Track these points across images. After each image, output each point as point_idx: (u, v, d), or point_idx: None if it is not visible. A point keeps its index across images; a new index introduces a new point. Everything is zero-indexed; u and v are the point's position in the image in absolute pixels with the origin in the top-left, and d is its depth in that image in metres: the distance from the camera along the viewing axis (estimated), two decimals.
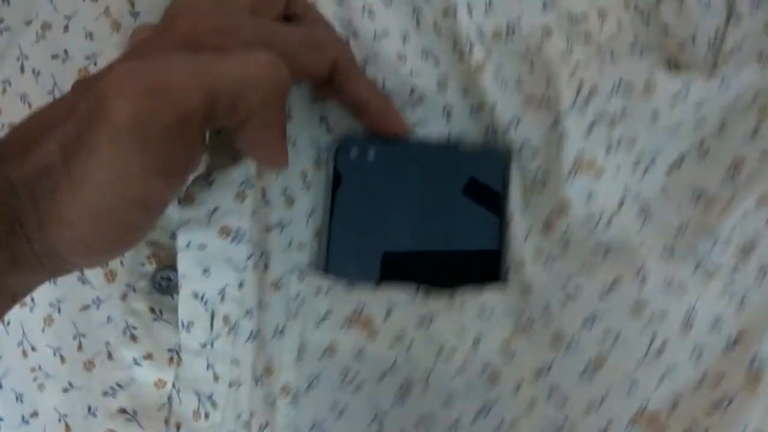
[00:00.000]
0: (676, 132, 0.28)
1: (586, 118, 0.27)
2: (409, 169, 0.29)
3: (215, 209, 0.27)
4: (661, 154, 0.28)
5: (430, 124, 0.29)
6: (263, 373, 0.28)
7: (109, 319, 0.29)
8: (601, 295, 0.27)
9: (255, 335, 0.28)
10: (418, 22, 0.30)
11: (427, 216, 0.29)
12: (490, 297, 0.27)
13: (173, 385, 0.28)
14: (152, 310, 0.29)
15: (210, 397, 0.28)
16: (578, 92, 0.27)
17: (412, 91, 0.29)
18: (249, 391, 0.27)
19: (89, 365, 0.29)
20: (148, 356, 0.28)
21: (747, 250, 0.27)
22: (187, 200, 0.28)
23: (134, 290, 0.29)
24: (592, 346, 0.27)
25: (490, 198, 0.29)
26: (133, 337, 0.29)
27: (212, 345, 0.28)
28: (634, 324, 0.26)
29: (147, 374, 0.28)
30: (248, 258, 0.27)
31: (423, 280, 0.28)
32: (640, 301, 0.27)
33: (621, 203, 0.27)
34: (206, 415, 0.28)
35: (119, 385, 0.29)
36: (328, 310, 0.27)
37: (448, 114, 0.29)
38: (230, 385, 0.27)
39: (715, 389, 0.26)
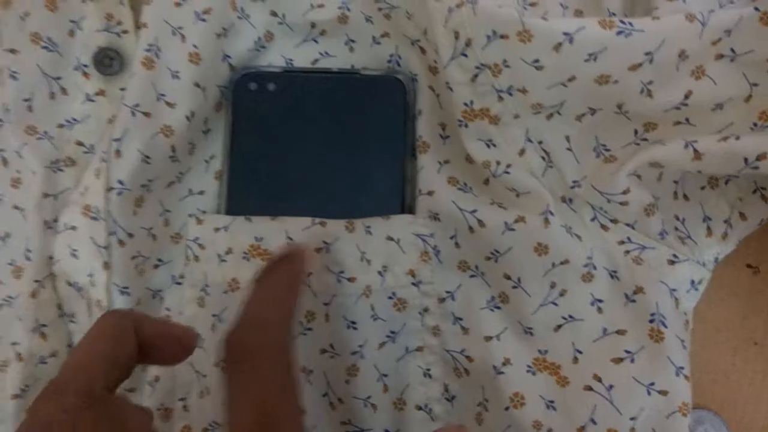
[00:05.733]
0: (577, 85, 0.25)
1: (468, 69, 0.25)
2: (309, 99, 0.29)
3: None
4: (565, 106, 0.25)
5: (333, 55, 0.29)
6: None
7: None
8: (505, 230, 0.26)
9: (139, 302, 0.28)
10: None
11: (328, 146, 0.28)
12: (397, 224, 0.27)
13: None
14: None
15: None
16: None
17: (312, 25, 0.29)
18: None
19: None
20: (54, 354, 0.28)
21: (648, 210, 0.26)
22: None
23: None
24: (497, 280, 0.27)
25: (393, 125, 0.28)
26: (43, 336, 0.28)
27: None
28: (536, 265, 0.26)
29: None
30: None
31: (323, 211, 0.28)
32: (543, 243, 0.26)
33: (522, 150, 0.26)
34: None
35: None
36: (229, 247, 0.27)
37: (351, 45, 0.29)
38: None
39: (617, 343, 0.26)
